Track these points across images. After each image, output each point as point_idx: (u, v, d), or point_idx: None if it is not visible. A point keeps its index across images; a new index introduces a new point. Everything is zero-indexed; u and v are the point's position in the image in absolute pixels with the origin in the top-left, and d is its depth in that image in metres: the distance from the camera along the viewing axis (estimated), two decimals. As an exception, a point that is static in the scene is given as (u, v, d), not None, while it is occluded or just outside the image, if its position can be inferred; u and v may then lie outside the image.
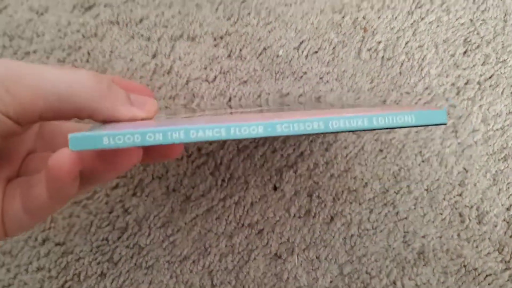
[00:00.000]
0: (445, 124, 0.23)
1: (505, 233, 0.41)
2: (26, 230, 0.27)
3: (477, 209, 0.41)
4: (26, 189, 0.25)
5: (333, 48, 0.41)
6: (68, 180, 0.22)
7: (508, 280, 0.40)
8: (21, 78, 0.22)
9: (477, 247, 0.40)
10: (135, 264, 0.39)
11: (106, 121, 0.25)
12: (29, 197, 0.24)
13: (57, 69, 0.23)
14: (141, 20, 0.41)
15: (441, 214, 0.40)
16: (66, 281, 0.38)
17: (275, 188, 0.40)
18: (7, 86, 0.22)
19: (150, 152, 0.28)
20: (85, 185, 0.25)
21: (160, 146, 0.28)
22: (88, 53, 0.40)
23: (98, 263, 0.39)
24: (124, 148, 0.24)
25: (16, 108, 0.22)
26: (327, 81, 0.41)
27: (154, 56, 0.41)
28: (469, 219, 0.40)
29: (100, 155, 0.24)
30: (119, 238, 0.39)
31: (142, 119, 0.26)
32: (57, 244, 0.39)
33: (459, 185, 0.41)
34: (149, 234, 0.39)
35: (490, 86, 0.42)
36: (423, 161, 0.41)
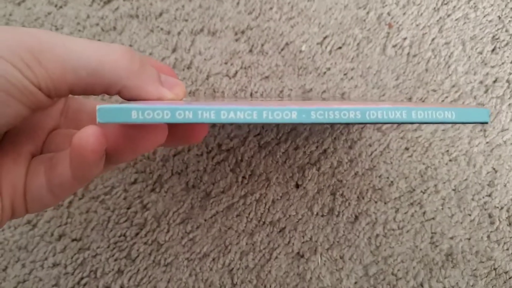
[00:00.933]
0: (486, 123, 0.22)
1: (535, 236, 0.39)
2: (47, 208, 0.27)
3: (508, 211, 0.39)
4: (50, 167, 0.24)
5: (358, 44, 0.40)
6: (92, 159, 0.22)
7: (539, 285, 0.39)
8: (52, 50, 0.21)
9: (507, 249, 0.39)
10: (154, 261, 0.38)
11: (133, 99, 0.24)
12: (52, 175, 0.24)
13: (89, 43, 0.23)
14: (161, 14, 0.40)
15: (470, 215, 0.39)
16: (82, 278, 0.37)
17: (297, 186, 0.39)
18: (39, 58, 0.21)
19: (173, 133, 0.27)
20: (108, 164, 0.25)
21: (185, 128, 0.28)
22: (108, 47, 0.40)
23: (116, 259, 0.38)
24: (151, 125, 0.23)
25: (47, 80, 0.21)
26: (352, 78, 0.40)
27: (174, 50, 0.40)
28: (499, 220, 0.39)
29: (125, 133, 0.23)
30: (137, 234, 0.38)
31: (170, 101, 0.25)
32: (73, 240, 0.38)
33: (488, 185, 0.40)
34: (168, 231, 0.38)
35: (519, 84, 0.41)
36: (450, 160, 0.40)
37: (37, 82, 0.21)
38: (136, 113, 0.20)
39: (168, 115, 0.20)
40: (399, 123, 0.23)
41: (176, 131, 0.28)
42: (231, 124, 0.26)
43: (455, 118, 0.22)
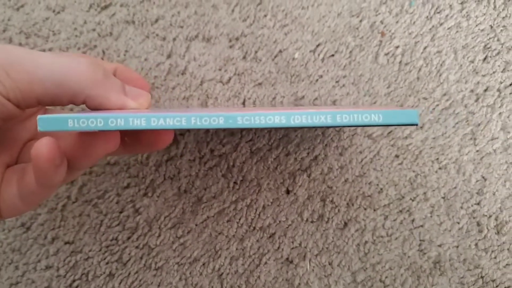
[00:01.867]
0: (416, 124, 0.23)
1: (524, 244, 0.40)
2: (20, 214, 0.29)
3: (496, 219, 0.39)
4: (21, 176, 0.26)
5: (350, 51, 0.41)
6: (48, 166, 0.23)
7: (527, 293, 0.39)
8: (20, 64, 0.23)
9: (495, 257, 0.39)
10: (144, 265, 0.38)
11: (98, 109, 0.26)
12: (22, 184, 0.25)
13: (54, 56, 0.24)
14: (156, 20, 0.40)
15: (458, 223, 0.39)
16: (74, 280, 0.38)
17: (288, 192, 0.40)
18: (8, 70, 0.23)
19: (138, 140, 0.29)
20: (71, 171, 0.26)
21: (148, 134, 0.29)
22: (103, 52, 0.40)
23: (107, 263, 0.38)
24: (101, 133, 0.25)
25: (15, 91, 0.23)
26: (343, 85, 0.41)
27: (169, 56, 0.40)
28: (487, 228, 0.39)
29: (78, 141, 0.25)
30: (128, 238, 0.39)
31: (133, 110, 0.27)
32: (66, 243, 0.38)
33: (477, 193, 0.40)
34: (159, 235, 0.39)
35: (510, 93, 0.41)
36: (440, 168, 0.40)
37: (5, 93, 0.23)
38: (72, 121, 0.22)
39: (101, 123, 0.22)
40: (325, 127, 0.24)
41: (141, 138, 0.29)
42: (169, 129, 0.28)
43: (383, 121, 0.22)
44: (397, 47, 0.41)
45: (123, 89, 0.27)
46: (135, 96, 0.27)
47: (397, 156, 0.40)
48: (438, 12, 0.41)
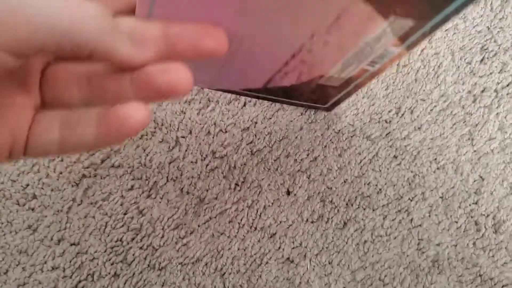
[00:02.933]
0: None
1: (522, 243, 0.40)
2: (47, 157, 0.26)
3: (494, 218, 0.40)
4: (67, 125, 0.24)
5: (349, 54, 0.41)
6: (135, 134, 0.22)
7: (525, 291, 0.40)
8: (18, 10, 0.20)
9: (493, 256, 0.39)
10: (148, 265, 0.39)
11: (105, 61, 0.23)
12: (70, 134, 0.24)
13: (58, 3, 0.21)
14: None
15: (457, 222, 0.40)
16: (80, 281, 0.39)
17: (288, 193, 0.40)
18: (3, 18, 0.19)
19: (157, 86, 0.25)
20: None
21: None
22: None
23: (112, 263, 0.39)
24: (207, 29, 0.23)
25: (12, 41, 0.20)
26: (342, 87, 0.41)
27: (171, 60, 0.41)
28: (485, 227, 0.40)
29: (187, 31, 0.23)
30: (133, 239, 0.39)
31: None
32: (72, 244, 0.39)
33: (475, 193, 0.40)
34: (162, 236, 0.39)
35: (507, 94, 0.42)
36: (438, 168, 0.41)
37: (4, 45, 0.20)
38: None
39: None
40: None
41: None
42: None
43: None
44: (395, 49, 0.42)
45: (133, 39, 0.23)
46: (147, 45, 0.23)
47: (395, 156, 0.41)
48: (435, 15, 0.42)
